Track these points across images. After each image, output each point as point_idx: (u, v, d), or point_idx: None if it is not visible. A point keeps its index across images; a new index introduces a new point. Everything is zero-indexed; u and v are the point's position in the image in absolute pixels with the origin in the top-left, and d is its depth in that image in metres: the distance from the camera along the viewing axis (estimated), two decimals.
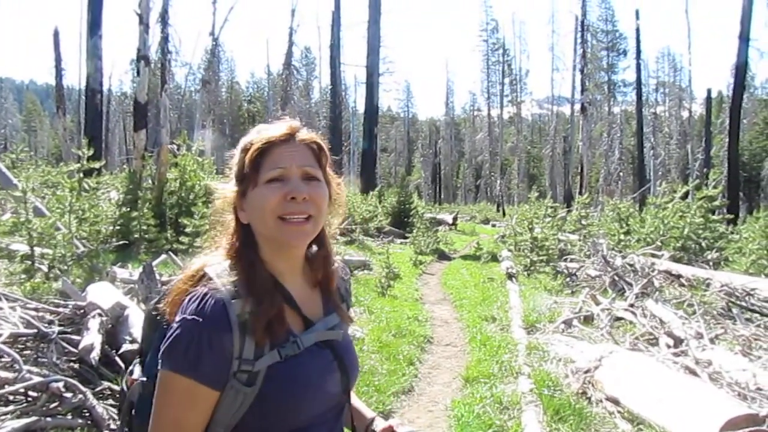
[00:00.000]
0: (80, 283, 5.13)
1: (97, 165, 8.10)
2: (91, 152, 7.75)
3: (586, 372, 4.14)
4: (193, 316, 0.98)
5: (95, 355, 3.32)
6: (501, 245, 14.31)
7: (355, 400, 1.28)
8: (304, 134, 1.11)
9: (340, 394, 1.15)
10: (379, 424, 1.25)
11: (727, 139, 22.83)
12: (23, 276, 5.63)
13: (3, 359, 3.16)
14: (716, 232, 10.00)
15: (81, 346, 3.40)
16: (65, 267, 5.70)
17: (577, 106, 34.98)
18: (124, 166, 19.01)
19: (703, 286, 7.11)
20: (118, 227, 8.35)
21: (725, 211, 15.55)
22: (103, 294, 4.15)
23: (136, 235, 8.53)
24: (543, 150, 53.31)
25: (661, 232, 9.77)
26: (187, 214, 8.42)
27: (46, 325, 3.68)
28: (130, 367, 1.20)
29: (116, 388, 3.20)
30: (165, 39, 25.24)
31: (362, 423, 1.27)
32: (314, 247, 1.17)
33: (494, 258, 11.66)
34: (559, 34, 42.35)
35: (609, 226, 11.87)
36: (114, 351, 3.58)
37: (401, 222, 17.65)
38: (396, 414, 3.82)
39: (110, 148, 42.84)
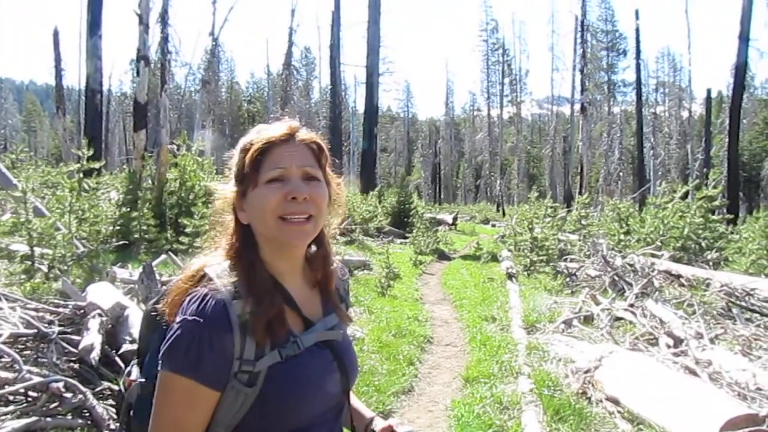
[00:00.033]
0: (80, 284, 5.13)
1: (96, 165, 8.10)
2: (91, 152, 7.75)
3: (586, 372, 4.14)
4: (194, 317, 0.98)
5: (95, 355, 3.32)
6: (501, 245, 14.31)
7: (355, 400, 1.28)
8: (304, 134, 1.11)
9: (339, 394, 1.15)
10: (379, 423, 1.25)
11: (726, 139, 22.84)
12: (23, 276, 5.63)
13: (3, 359, 3.16)
14: (716, 232, 10.00)
15: (81, 346, 3.40)
16: (65, 267, 5.70)
17: (577, 106, 34.98)
18: (124, 167, 18.99)
19: (703, 286, 7.11)
20: (118, 227, 8.35)
21: (725, 211, 15.55)
22: (103, 294, 4.16)
23: (136, 235, 8.53)
24: (543, 150, 53.31)
25: (661, 232, 9.78)
26: (187, 214, 8.42)
27: (46, 325, 3.68)
28: (128, 368, 1.19)
29: (116, 388, 3.20)
30: (165, 39, 25.23)
31: (361, 423, 1.27)
32: (313, 248, 1.17)
33: (494, 258, 11.66)
34: (559, 34, 42.40)
35: (609, 226, 11.88)
36: (114, 351, 3.58)
37: (401, 222, 17.66)
38: (396, 414, 3.82)
39: (110, 149, 42.84)
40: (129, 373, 1.17)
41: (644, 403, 3.52)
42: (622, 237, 10.63)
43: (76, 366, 3.42)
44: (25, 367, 3.04)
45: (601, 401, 3.85)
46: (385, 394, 4.04)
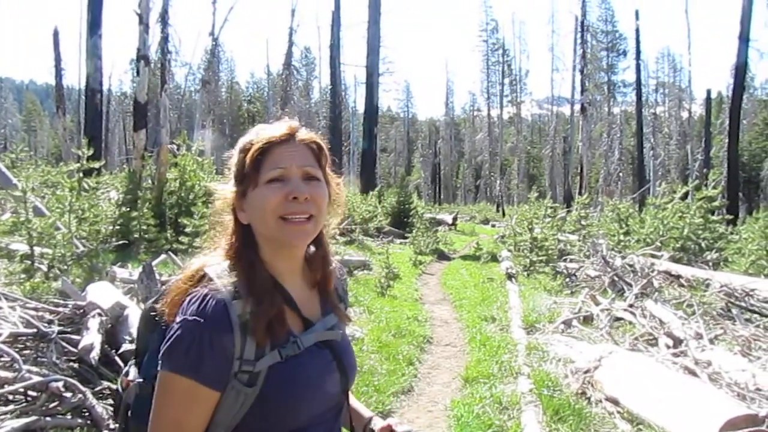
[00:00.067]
0: (80, 283, 5.13)
1: (96, 165, 8.10)
2: (91, 152, 7.75)
3: (586, 372, 4.14)
4: (194, 317, 0.98)
5: (95, 354, 3.32)
6: (500, 245, 14.32)
7: (353, 400, 1.29)
8: (304, 134, 1.11)
9: (339, 394, 1.15)
10: (378, 423, 1.25)
11: (726, 140, 22.85)
12: (23, 276, 5.63)
13: (3, 359, 3.16)
14: (716, 233, 10.01)
15: (81, 345, 3.41)
16: (65, 267, 5.70)
17: (577, 107, 34.98)
18: (124, 166, 19.01)
19: (702, 286, 7.11)
20: (117, 227, 8.35)
21: (725, 211, 15.56)
22: (102, 294, 4.16)
23: (135, 235, 8.53)
24: (543, 150, 53.32)
25: (660, 233, 9.78)
26: (187, 214, 8.42)
27: (46, 324, 3.68)
28: (125, 369, 1.19)
29: (116, 387, 3.19)
30: (165, 39, 25.24)
31: (360, 423, 1.27)
32: (312, 248, 1.17)
33: (494, 258, 11.66)
34: (558, 34, 42.41)
35: (608, 227, 11.89)
36: (114, 351, 3.58)
37: (401, 222, 17.66)
38: (396, 414, 3.82)
39: (110, 148, 42.83)
40: (127, 374, 1.17)
41: (644, 403, 3.52)
42: (621, 237, 10.64)
43: (76, 365, 3.42)
44: (25, 367, 3.04)
45: (600, 401, 3.85)
46: (385, 394, 4.04)
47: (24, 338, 3.51)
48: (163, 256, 6.97)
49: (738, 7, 20.26)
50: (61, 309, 4.06)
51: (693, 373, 4.02)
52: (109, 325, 3.71)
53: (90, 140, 9.05)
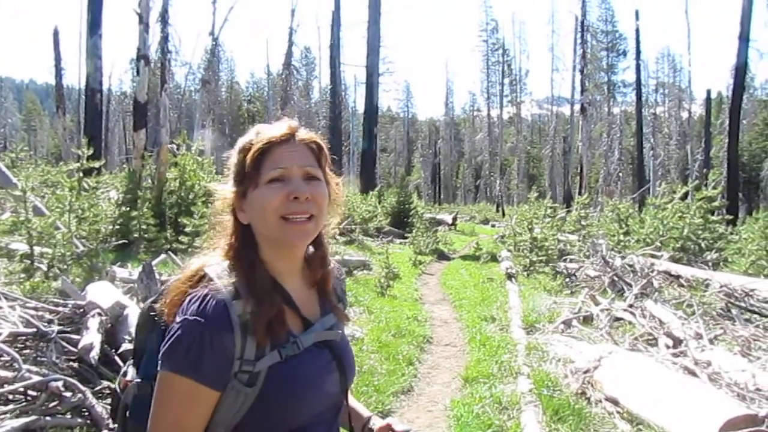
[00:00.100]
0: (80, 283, 5.13)
1: (96, 164, 8.10)
2: (91, 152, 7.74)
3: (586, 372, 4.14)
4: (195, 317, 0.98)
5: (95, 354, 3.32)
6: (500, 245, 14.32)
7: (352, 400, 1.29)
8: (304, 134, 1.11)
9: (338, 394, 1.15)
10: (376, 422, 1.26)
11: (726, 140, 22.85)
12: (23, 275, 5.63)
13: (2, 358, 3.16)
14: (715, 233, 10.01)
15: (80, 345, 3.41)
16: (65, 266, 5.70)
17: (577, 107, 34.97)
18: (124, 166, 19.03)
19: (702, 286, 7.11)
20: (117, 227, 8.35)
21: (725, 211, 15.56)
22: (102, 293, 4.16)
23: (135, 235, 8.53)
24: (543, 150, 53.33)
25: (660, 233, 9.78)
26: (187, 214, 8.43)
27: (46, 324, 3.68)
28: (123, 369, 1.19)
29: (115, 387, 3.20)
30: (165, 38, 25.24)
31: (359, 422, 1.28)
32: (311, 248, 1.17)
33: (494, 258, 11.66)
34: (558, 34, 42.39)
35: (608, 227, 11.89)
36: (113, 350, 3.58)
37: (401, 222, 17.66)
38: (395, 414, 3.82)
39: (110, 148, 42.82)
40: (125, 374, 1.17)
41: (643, 403, 3.52)
42: (621, 237, 10.64)
43: (76, 365, 3.42)
44: (25, 366, 3.04)
45: (600, 401, 3.85)
46: (385, 394, 4.04)
47: (24, 338, 3.52)
48: (162, 255, 6.97)
49: (738, 7, 20.29)
50: (60, 308, 4.06)
51: (693, 373, 4.02)
52: (109, 325, 3.71)
53: (90, 140, 9.05)
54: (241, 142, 1.12)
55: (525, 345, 5.21)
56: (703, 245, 9.46)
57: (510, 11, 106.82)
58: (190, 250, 7.40)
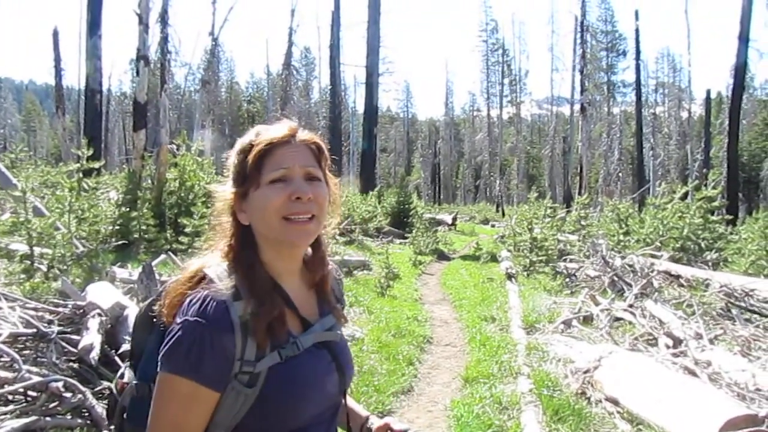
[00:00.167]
0: (80, 283, 5.13)
1: (96, 165, 8.08)
2: (91, 152, 7.73)
3: (586, 372, 4.14)
4: (195, 318, 0.98)
5: (95, 354, 3.32)
6: (500, 245, 14.32)
7: (350, 400, 1.29)
8: (304, 135, 1.11)
9: (337, 395, 1.16)
10: (375, 422, 1.26)
11: (726, 140, 22.83)
12: (23, 276, 5.63)
13: (2, 359, 3.16)
14: (715, 233, 10.01)
15: (80, 345, 3.40)
16: (65, 267, 5.70)
17: (577, 107, 34.98)
18: (124, 166, 19.01)
19: (702, 286, 7.11)
20: (117, 227, 8.34)
21: (724, 211, 15.56)
22: (102, 294, 4.15)
23: (135, 235, 8.53)
24: (542, 150, 53.33)
25: (660, 233, 9.78)
26: (187, 214, 8.42)
27: (46, 324, 3.68)
28: (120, 371, 1.19)
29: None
30: (164, 39, 25.23)
31: (357, 422, 1.28)
32: (310, 249, 1.17)
33: (493, 258, 11.66)
34: (558, 34, 42.37)
35: (608, 227, 11.89)
36: (113, 351, 3.58)
37: (401, 222, 17.66)
38: (396, 414, 3.82)
39: (110, 148, 42.81)
40: (122, 376, 1.16)
41: (644, 403, 3.52)
42: (621, 237, 10.64)
43: (76, 365, 3.42)
44: (25, 367, 3.04)
45: (600, 401, 3.85)
46: (385, 394, 4.04)
47: (24, 338, 3.51)
48: (162, 256, 6.97)
49: (738, 7, 20.30)
50: (60, 309, 4.06)
51: (693, 373, 4.02)
52: (109, 326, 3.71)
53: (90, 140, 9.03)
54: (240, 143, 1.12)
55: (525, 345, 5.21)
56: (703, 245, 9.46)
57: (510, 11, 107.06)
58: (190, 250, 7.40)
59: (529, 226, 11.16)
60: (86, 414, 2.99)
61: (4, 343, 3.22)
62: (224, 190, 1.13)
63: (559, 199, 34.15)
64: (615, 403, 3.75)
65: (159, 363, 0.99)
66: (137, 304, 4.26)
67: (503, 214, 34.41)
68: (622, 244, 10.28)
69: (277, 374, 1.02)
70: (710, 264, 8.87)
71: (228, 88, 50.46)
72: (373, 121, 25.29)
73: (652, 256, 8.58)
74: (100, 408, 2.98)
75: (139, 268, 5.14)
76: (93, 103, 16.58)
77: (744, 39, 20.27)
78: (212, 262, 1.08)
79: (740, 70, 20.77)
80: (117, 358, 3.50)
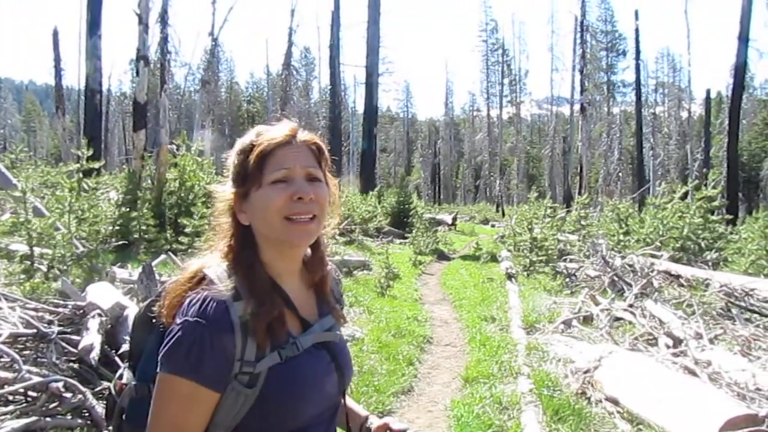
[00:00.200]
0: (80, 283, 5.13)
1: (96, 165, 8.09)
2: (91, 152, 7.73)
3: (586, 372, 4.14)
4: (196, 318, 0.98)
5: (95, 355, 3.32)
6: (500, 245, 14.32)
7: (349, 400, 1.29)
8: (305, 135, 1.12)
9: (336, 395, 1.16)
10: (374, 422, 1.26)
11: (726, 140, 22.83)
12: (23, 276, 5.63)
13: (2, 359, 3.16)
14: (715, 233, 10.02)
15: (80, 346, 3.40)
16: (65, 267, 5.70)
17: (577, 107, 34.96)
18: (124, 167, 18.99)
19: (702, 286, 7.11)
20: (117, 227, 8.34)
21: (724, 211, 15.57)
22: (102, 294, 4.16)
23: (135, 236, 8.53)
24: (542, 150, 53.34)
25: (660, 233, 9.78)
26: (187, 215, 8.42)
27: (46, 325, 3.68)
28: (119, 372, 1.19)
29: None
30: (164, 39, 25.22)
31: (357, 422, 1.28)
32: (309, 249, 1.18)
33: (493, 258, 11.66)
34: (558, 34, 42.39)
35: (608, 227, 11.89)
36: (113, 351, 3.58)
37: (401, 222, 17.67)
38: (396, 414, 3.82)
39: (109, 149, 42.82)
40: (120, 377, 1.16)
41: (644, 403, 3.52)
42: (621, 237, 10.64)
43: (76, 366, 3.42)
44: (25, 367, 3.04)
45: (600, 401, 3.85)
46: (385, 395, 4.04)
47: (24, 339, 3.51)
48: (162, 256, 6.97)
49: (737, 7, 20.30)
50: (60, 309, 4.06)
51: (693, 373, 4.02)
52: (109, 326, 3.72)
53: (89, 140, 9.03)
54: (240, 143, 1.12)
55: (525, 345, 5.21)
56: (702, 245, 9.46)
57: (510, 11, 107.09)
58: (190, 250, 7.39)
59: (529, 226, 11.16)
60: (86, 414, 2.99)
61: (4, 343, 3.22)
62: (224, 191, 1.13)
63: (559, 199, 34.15)
64: (615, 402, 3.75)
65: (159, 363, 0.99)
66: (137, 304, 4.26)
67: (503, 214, 34.41)
68: (622, 243, 10.28)
69: (277, 374, 1.02)
70: (710, 264, 8.87)
71: (228, 88, 50.47)
72: (373, 121, 25.29)
73: (652, 255, 8.58)
74: (100, 408, 2.98)
75: (139, 269, 5.14)
76: (93, 103, 16.58)
77: (744, 39, 20.28)
78: (212, 263, 1.08)
79: (740, 70, 20.77)
80: (117, 359, 3.50)
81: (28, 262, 5.77)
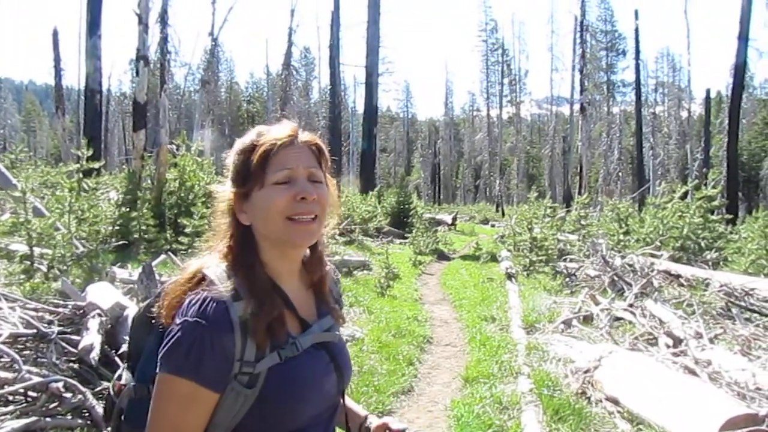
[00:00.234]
0: (80, 284, 5.13)
1: (96, 165, 8.08)
2: (91, 152, 7.72)
3: (586, 372, 4.14)
4: (195, 318, 0.97)
5: (95, 355, 3.32)
6: (500, 245, 14.31)
7: (348, 400, 1.30)
8: (306, 136, 1.12)
9: (335, 395, 1.16)
10: (373, 421, 1.26)
11: (726, 139, 22.82)
12: (23, 276, 5.63)
13: (3, 359, 3.16)
14: (715, 232, 10.01)
15: (80, 346, 3.40)
16: (65, 267, 5.70)
17: (577, 106, 34.97)
18: (124, 167, 18.99)
19: (702, 286, 7.11)
20: (117, 227, 8.34)
21: (724, 211, 15.56)
22: (102, 294, 4.15)
23: (135, 236, 8.52)
24: (542, 150, 53.34)
25: (660, 232, 9.78)
26: (187, 215, 8.42)
27: (46, 325, 3.68)
28: (118, 372, 1.19)
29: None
30: (164, 39, 25.21)
31: (356, 422, 1.28)
32: (308, 250, 1.18)
33: (493, 258, 11.66)
34: (558, 34, 42.42)
35: (608, 226, 11.89)
36: (113, 351, 3.58)
37: (400, 222, 17.66)
38: (396, 414, 3.82)
39: (109, 149, 42.81)
40: (119, 377, 1.16)
41: (644, 402, 3.52)
42: (621, 237, 10.64)
43: (76, 366, 3.42)
44: (25, 367, 3.04)
45: (600, 401, 3.85)
46: (385, 395, 4.04)
47: (24, 339, 3.51)
48: (162, 256, 6.97)
49: (737, 6, 20.30)
50: (60, 309, 4.06)
51: (693, 373, 4.02)
52: (109, 326, 3.71)
53: (89, 141, 9.02)
54: (241, 143, 1.12)
55: (525, 345, 5.21)
56: (702, 244, 9.46)
57: (509, 11, 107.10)
58: (189, 250, 7.39)
59: (529, 226, 11.16)
60: (86, 414, 2.99)
61: (4, 343, 3.22)
62: (224, 191, 1.13)
63: (559, 199, 34.15)
64: (615, 402, 3.75)
65: (158, 364, 0.99)
66: (137, 304, 4.26)
67: (503, 214, 34.40)
68: (622, 243, 10.28)
69: (277, 375, 1.02)
70: (710, 263, 8.87)
71: (228, 88, 50.46)
72: (373, 121, 25.28)
73: (652, 255, 8.59)
74: (100, 408, 2.98)
75: (139, 269, 5.14)
76: (93, 103, 16.57)
77: (743, 38, 20.27)
78: (211, 263, 1.08)
79: (740, 70, 20.76)
80: (117, 359, 3.50)
81: (28, 262, 5.76)
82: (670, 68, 48.88)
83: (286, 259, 1.12)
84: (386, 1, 42.59)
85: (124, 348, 3.43)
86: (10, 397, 3.00)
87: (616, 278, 7.50)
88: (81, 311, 3.93)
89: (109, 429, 1.15)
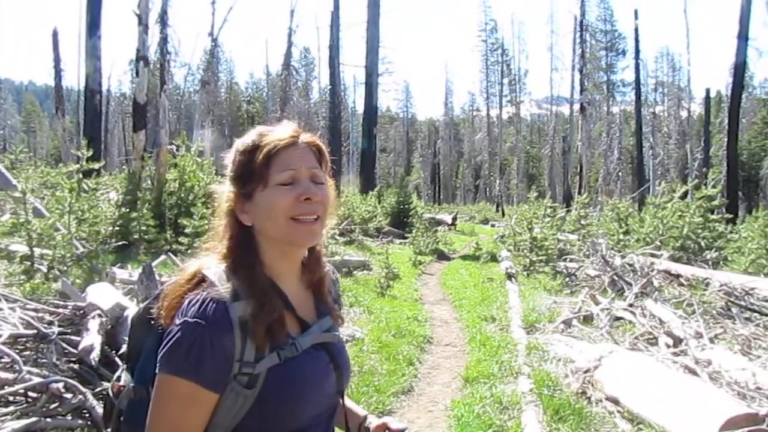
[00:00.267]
0: (80, 284, 5.13)
1: (96, 166, 8.09)
2: (91, 153, 7.73)
3: (586, 372, 4.14)
4: (195, 319, 0.97)
5: (95, 355, 3.32)
6: (500, 245, 14.32)
7: (347, 401, 1.29)
8: (307, 137, 1.12)
9: (335, 395, 1.16)
10: (373, 421, 1.26)
11: (725, 139, 22.79)
12: (23, 277, 5.63)
13: (3, 360, 3.16)
14: (715, 232, 10.02)
15: (81, 346, 3.40)
16: (65, 268, 5.70)
17: (576, 106, 34.97)
18: (124, 167, 18.98)
19: (702, 285, 7.12)
20: (117, 228, 8.34)
21: (724, 210, 15.54)
22: (102, 295, 4.16)
23: (135, 236, 8.52)
24: (542, 150, 53.33)
25: (660, 232, 9.78)
26: (187, 215, 8.42)
27: (46, 325, 3.68)
28: (117, 373, 1.18)
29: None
30: (164, 39, 25.19)
31: (355, 422, 1.28)
32: (306, 250, 1.18)
33: (493, 258, 11.66)
34: (558, 34, 42.42)
35: (608, 226, 11.89)
36: (114, 351, 3.58)
37: (400, 222, 17.66)
38: (396, 414, 3.82)
39: (109, 149, 42.78)
40: (118, 378, 1.16)
41: (644, 402, 3.52)
42: (621, 237, 10.64)
43: (76, 366, 3.42)
44: (25, 368, 3.04)
45: (600, 401, 3.85)
46: (385, 395, 4.04)
47: (24, 339, 3.51)
48: (162, 256, 6.97)
49: (737, 6, 20.29)
50: (61, 310, 4.06)
51: (693, 372, 4.02)
52: (109, 326, 3.71)
53: (89, 141, 9.02)
54: (242, 143, 1.11)
55: (525, 345, 5.21)
56: (702, 244, 9.47)
57: (509, 11, 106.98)
58: (189, 251, 7.39)
59: (529, 226, 11.16)
60: (87, 415, 2.99)
61: (4, 344, 3.23)
62: (225, 191, 1.13)
63: (559, 199, 34.13)
64: (615, 402, 3.75)
65: (158, 364, 0.99)
66: (137, 304, 4.26)
67: (503, 214, 34.41)
68: (621, 243, 10.28)
69: (276, 375, 1.02)
70: (710, 263, 8.87)
71: (227, 89, 50.45)
72: (373, 121, 25.27)
73: (652, 255, 8.59)
74: (100, 409, 2.98)
75: (139, 269, 5.14)
76: (93, 103, 16.57)
77: (743, 38, 20.27)
78: (211, 264, 1.08)
79: (739, 69, 20.75)
80: (117, 359, 3.50)
81: (28, 263, 5.77)
82: (670, 68, 48.92)
83: (287, 260, 1.12)
84: (386, 1, 42.66)
85: (124, 348, 3.44)
86: (11, 398, 3.00)
87: (616, 278, 7.50)
88: (81, 312, 3.93)
89: (108, 430, 1.15)
